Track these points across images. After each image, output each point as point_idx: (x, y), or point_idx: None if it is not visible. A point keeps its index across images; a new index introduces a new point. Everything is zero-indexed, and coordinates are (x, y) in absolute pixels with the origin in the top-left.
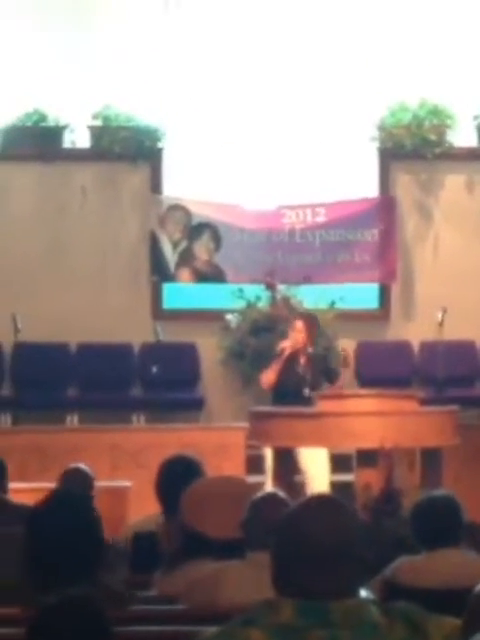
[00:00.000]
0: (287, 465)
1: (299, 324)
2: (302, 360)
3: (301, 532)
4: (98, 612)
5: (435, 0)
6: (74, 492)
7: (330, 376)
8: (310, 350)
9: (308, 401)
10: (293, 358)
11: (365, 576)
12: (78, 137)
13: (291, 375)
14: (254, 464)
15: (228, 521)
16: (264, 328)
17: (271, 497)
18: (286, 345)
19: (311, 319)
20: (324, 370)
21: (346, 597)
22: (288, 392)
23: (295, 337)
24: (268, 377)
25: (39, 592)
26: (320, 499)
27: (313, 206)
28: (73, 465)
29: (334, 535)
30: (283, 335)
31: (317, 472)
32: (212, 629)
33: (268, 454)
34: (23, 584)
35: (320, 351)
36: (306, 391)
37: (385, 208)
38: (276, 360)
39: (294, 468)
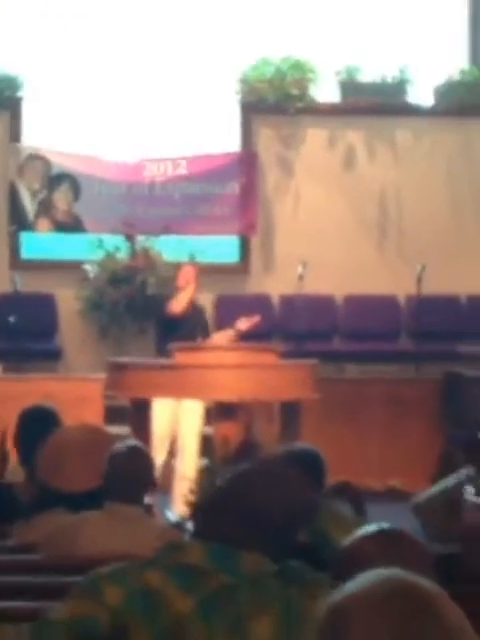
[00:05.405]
0: (144, 416)
1: (191, 269)
2: (189, 308)
3: (248, 490)
4: None
5: None
6: None
7: (203, 332)
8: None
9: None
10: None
11: (285, 546)
12: None
13: (182, 324)
14: (113, 415)
15: (84, 473)
16: (123, 279)
17: (132, 449)
18: (187, 280)
19: (198, 268)
20: (203, 324)
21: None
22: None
23: (188, 280)
24: (180, 301)
25: None
26: (276, 466)
27: (174, 159)
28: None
29: (279, 503)
30: (143, 286)
31: (188, 425)
32: (103, 569)
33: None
34: None
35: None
36: (199, 340)
37: (246, 162)
38: (182, 290)
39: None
